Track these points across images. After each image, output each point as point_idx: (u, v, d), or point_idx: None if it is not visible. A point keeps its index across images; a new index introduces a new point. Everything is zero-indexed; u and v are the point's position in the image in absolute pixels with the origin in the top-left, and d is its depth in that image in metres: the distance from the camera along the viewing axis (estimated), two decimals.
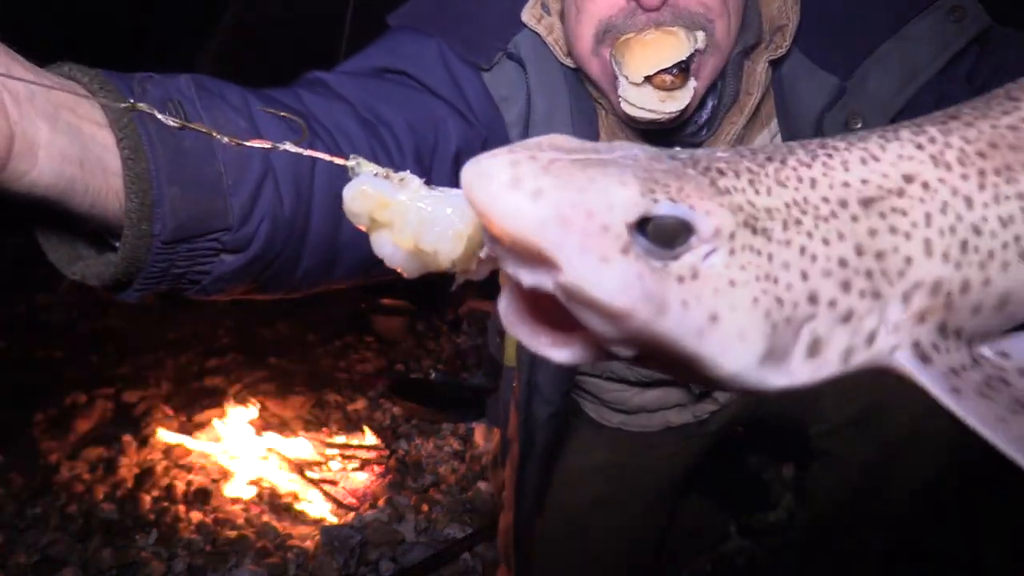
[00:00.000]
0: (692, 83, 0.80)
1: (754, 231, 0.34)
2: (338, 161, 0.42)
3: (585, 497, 1.30)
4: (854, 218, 0.35)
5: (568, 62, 0.90)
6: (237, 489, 2.15)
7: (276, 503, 2.10)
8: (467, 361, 2.97)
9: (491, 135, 0.87)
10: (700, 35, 0.79)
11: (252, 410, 2.50)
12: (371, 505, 2.10)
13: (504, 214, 0.33)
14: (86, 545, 1.91)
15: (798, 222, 0.34)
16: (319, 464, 2.29)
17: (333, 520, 2.04)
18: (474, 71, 0.88)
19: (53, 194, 0.49)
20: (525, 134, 0.88)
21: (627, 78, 0.78)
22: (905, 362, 0.35)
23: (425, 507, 2.10)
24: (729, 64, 0.85)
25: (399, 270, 0.44)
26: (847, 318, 0.35)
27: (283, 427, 2.44)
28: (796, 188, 0.35)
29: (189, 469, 2.22)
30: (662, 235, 0.33)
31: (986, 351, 0.36)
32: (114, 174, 0.52)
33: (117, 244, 0.54)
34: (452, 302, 3.26)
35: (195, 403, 2.61)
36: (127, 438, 2.38)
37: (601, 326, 0.33)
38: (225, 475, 2.20)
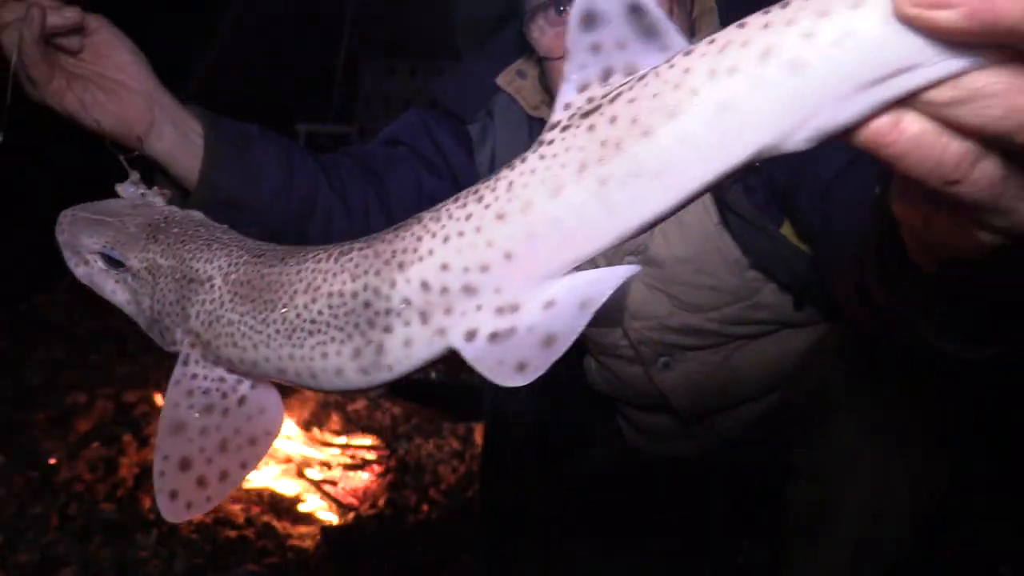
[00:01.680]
0: None
1: (150, 272, 0.61)
2: (126, 166, 0.72)
3: (599, 502, 1.34)
4: (177, 280, 0.59)
5: (536, 114, 1.12)
6: (237, 489, 2.15)
7: (276, 503, 2.10)
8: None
9: (462, 177, 1.14)
10: None
11: None
12: (371, 505, 2.10)
13: (57, 235, 0.65)
14: (86, 545, 1.91)
15: (154, 274, 0.61)
16: (319, 464, 2.29)
17: (333, 520, 2.04)
18: (455, 127, 1.15)
19: (164, 160, 0.90)
20: (490, 172, 1.06)
21: None
22: (179, 358, 0.59)
23: (425, 507, 2.10)
24: None
25: None
26: (164, 326, 0.61)
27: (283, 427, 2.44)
28: (173, 262, 0.60)
29: None
30: (110, 261, 0.63)
31: (241, 380, 0.59)
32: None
33: None
34: None
35: None
36: (127, 438, 2.38)
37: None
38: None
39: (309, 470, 2.24)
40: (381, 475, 2.25)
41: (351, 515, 2.06)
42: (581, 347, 1.29)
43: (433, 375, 2.89)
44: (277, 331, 0.52)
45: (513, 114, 1.12)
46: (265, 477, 2.20)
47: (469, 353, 0.42)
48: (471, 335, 0.42)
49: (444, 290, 0.42)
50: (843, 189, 0.85)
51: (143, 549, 1.91)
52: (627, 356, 1.19)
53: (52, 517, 2.01)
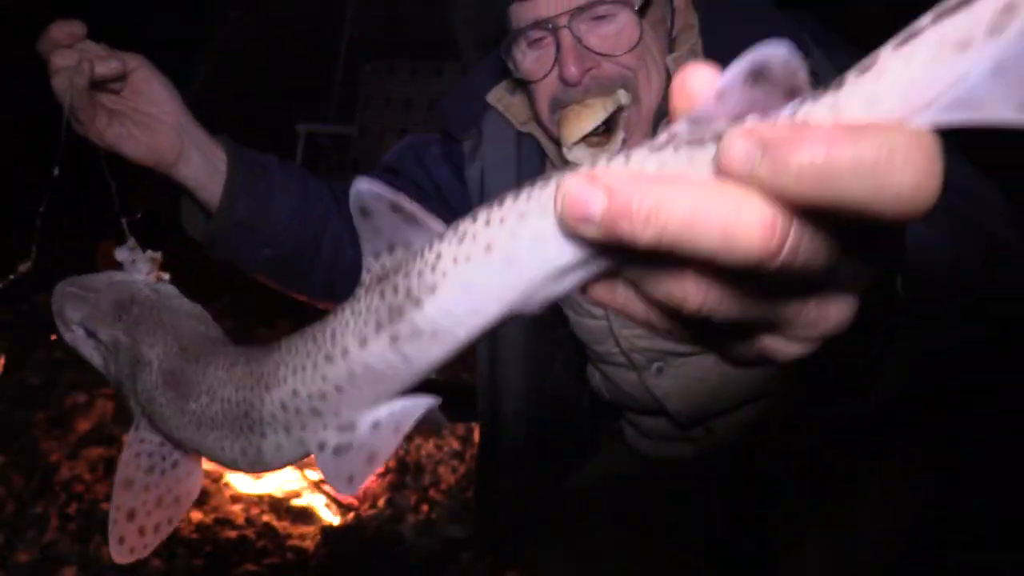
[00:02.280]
0: (620, 135, 1.01)
1: (115, 346, 0.70)
2: (126, 230, 0.79)
3: (601, 503, 1.35)
4: (131, 358, 0.67)
5: (523, 128, 1.16)
6: (237, 489, 2.15)
7: (276, 503, 2.11)
8: (467, 361, 2.97)
9: (451, 197, 1.20)
10: (622, 93, 1.01)
11: None
12: (371, 505, 2.11)
13: (52, 304, 0.76)
14: (86, 545, 1.91)
15: (117, 348, 0.70)
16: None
17: (333, 520, 2.05)
18: (449, 146, 1.21)
19: (191, 185, 0.97)
20: (480, 187, 1.16)
21: (566, 143, 1.03)
22: (133, 423, 0.69)
23: (425, 507, 2.10)
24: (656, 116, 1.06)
25: None
26: (123, 392, 0.71)
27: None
28: (129, 341, 0.68)
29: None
30: (87, 331, 0.72)
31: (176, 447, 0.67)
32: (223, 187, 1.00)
33: None
34: None
35: None
36: (127, 438, 2.38)
37: None
38: (225, 475, 2.20)
39: (309, 470, 2.24)
40: (381, 475, 2.25)
41: (351, 515, 2.06)
42: (584, 356, 1.30)
43: (433, 375, 2.88)
44: (190, 420, 0.61)
45: (502, 130, 1.16)
46: (265, 477, 2.20)
47: (320, 462, 0.50)
48: (322, 446, 0.50)
49: (298, 411, 0.50)
50: None
51: None
52: (622, 363, 1.20)
53: (52, 517, 2.02)
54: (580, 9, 0.97)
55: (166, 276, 0.76)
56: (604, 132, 1.01)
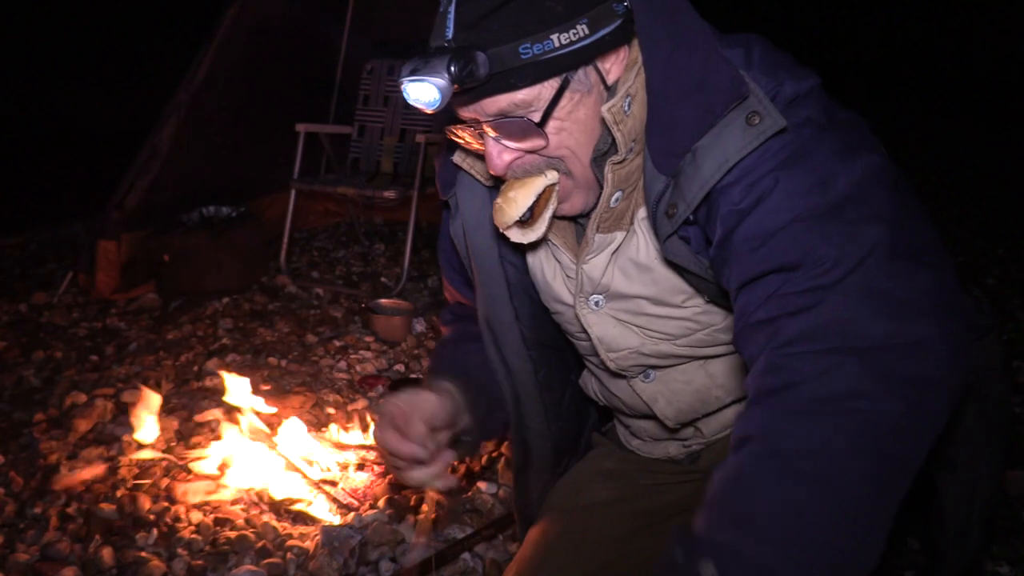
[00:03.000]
0: (552, 207, 1.06)
1: None
2: None
3: (585, 499, 1.38)
4: None
5: (490, 184, 1.21)
6: (237, 489, 2.15)
7: (276, 503, 2.10)
8: None
9: (460, 266, 1.33)
10: (552, 173, 1.05)
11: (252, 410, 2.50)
12: (371, 505, 2.11)
13: None
14: (86, 545, 1.91)
15: None
16: (319, 464, 2.29)
17: (333, 520, 2.04)
18: (446, 224, 1.31)
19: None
20: (464, 242, 1.24)
21: (500, 228, 1.10)
22: None
23: (425, 507, 2.10)
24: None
25: None
26: None
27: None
28: None
29: (189, 469, 2.22)
30: None
31: None
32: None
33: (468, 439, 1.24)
34: None
35: (195, 403, 2.61)
36: (127, 438, 2.38)
37: None
38: (225, 475, 2.20)
39: (309, 470, 2.24)
40: (381, 475, 2.25)
41: (351, 515, 2.06)
42: (581, 362, 1.33)
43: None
44: None
45: (474, 186, 1.22)
46: (265, 477, 2.20)
47: None
48: None
49: None
50: (743, 300, 0.89)
51: (143, 549, 1.91)
52: (611, 371, 1.24)
53: (52, 517, 2.02)
54: (491, 117, 1.00)
55: None
56: (529, 219, 1.07)
